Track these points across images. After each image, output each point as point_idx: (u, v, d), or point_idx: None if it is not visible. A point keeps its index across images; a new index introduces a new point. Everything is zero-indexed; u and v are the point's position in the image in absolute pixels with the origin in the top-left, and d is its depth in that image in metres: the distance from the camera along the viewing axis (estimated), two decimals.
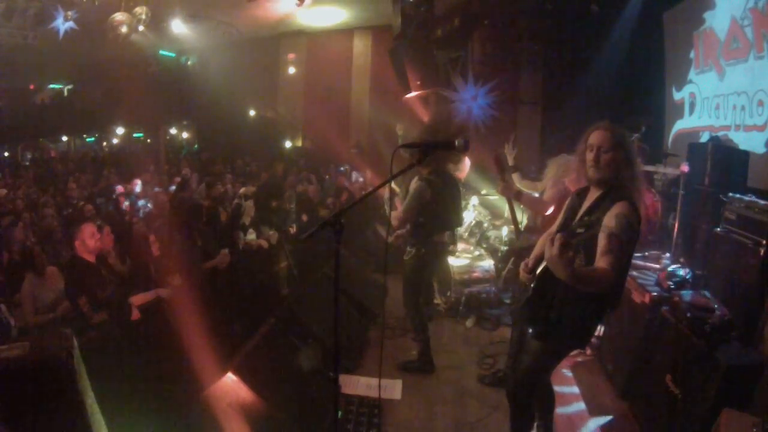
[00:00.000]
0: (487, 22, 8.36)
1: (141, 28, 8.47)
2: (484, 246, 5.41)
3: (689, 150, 4.75)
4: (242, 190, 6.75)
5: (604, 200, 2.30)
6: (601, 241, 2.14)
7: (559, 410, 3.17)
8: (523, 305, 2.50)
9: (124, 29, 8.22)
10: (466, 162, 6.16)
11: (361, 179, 8.78)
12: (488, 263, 5.11)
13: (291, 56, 12.48)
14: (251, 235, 5.72)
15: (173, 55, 12.51)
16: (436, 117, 5.54)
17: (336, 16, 11.12)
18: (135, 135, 17.20)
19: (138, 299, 3.89)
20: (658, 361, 3.18)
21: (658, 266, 4.10)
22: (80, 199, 7.85)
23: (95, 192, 8.65)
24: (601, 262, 2.09)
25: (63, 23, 7.92)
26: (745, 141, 4.71)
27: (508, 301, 5.03)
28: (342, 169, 10.21)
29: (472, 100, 8.63)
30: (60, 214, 6.75)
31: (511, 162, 4.47)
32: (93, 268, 3.63)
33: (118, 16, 8.12)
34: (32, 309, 3.88)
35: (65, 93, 15.13)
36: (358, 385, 3.70)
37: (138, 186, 8.50)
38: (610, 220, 2.17)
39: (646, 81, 6.82)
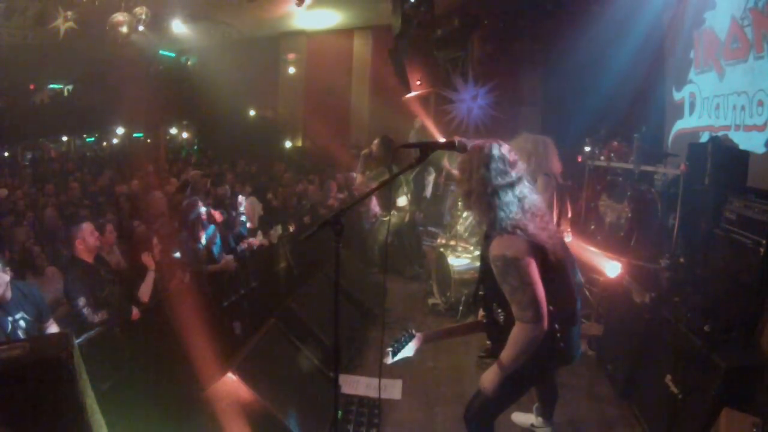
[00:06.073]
0: (487, 22, 8.36)
1: (141, 28, 8.49)
2: None
3: (689, 150, 4.74)
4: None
5: (486, 242, 2.11)
6: (503, 291, 2.00)
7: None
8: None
9: (124, 29, 8.23)
10: None
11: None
12: None
13: (291, 56, 12.50)
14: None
15: (173, 55, 12.54)
16: None
17: (336, 17, 11.12)
18: (135, 135, 17.17)
19: (144, 293, 3.89)
20: (658, 361, 3.18)
21: (657, 266, 4.10)
22: (82, 198, 7.84)
23: (95, 192, 8.63)
24: (514, 314, 1.99)
25: (63, 23, 7.93)
26: (745, 141, 4.70)
27: None
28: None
29: (472, 100, 8.63)
30: (62, 214, 6.74)
31: None
32: (91, 269, 3.62)
33: (118, 16, 8.13)
34: None
35: (65, 93, 15.13)
36: (358, 385, 3.70)
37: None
38: (494, 267, 2.00)
39: (646, 81, 6.81)
